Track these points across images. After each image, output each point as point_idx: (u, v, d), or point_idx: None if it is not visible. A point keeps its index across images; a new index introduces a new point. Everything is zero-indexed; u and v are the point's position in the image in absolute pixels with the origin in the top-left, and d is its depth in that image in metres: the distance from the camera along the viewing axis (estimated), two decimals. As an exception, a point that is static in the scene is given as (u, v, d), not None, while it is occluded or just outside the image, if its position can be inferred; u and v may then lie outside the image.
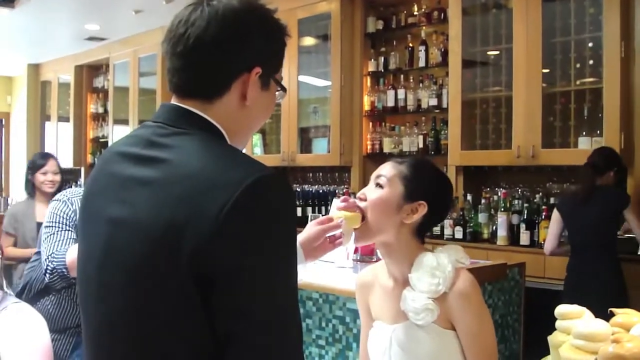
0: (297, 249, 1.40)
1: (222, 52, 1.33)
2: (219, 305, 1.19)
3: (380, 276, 2.13)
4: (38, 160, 5.39)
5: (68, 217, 2.98)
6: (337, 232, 2.01)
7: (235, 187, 1.18)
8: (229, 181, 1.20)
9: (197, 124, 1.33)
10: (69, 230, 2.98)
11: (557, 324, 1.65)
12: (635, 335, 1.46)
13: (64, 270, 2.87)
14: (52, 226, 2.98)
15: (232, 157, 1.30)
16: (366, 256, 3.65)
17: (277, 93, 1.47)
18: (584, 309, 1.65)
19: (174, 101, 1.39)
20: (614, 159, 4.45)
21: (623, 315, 1.60)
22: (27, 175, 5.44)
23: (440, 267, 1.93)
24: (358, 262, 3.74)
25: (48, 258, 2.90)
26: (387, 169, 2.03)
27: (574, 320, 1.62)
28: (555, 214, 4.58)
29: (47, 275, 2.89)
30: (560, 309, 1.65)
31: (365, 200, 2.00)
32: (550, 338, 1.64)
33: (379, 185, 2.01)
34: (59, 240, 2.94)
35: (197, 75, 1.35)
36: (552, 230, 4.61)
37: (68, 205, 3.02)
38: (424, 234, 2.07)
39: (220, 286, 1.18)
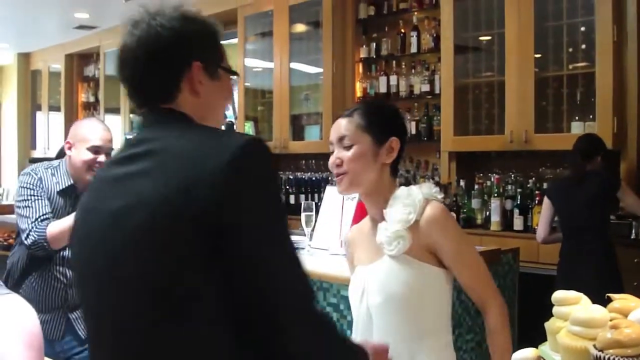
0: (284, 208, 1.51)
1: (156, 62, 1.44)
2: (229, 247, 1.27)
3: (363, 227, 2.21)
4: None
5: (35, 185, 3.06)
6: None
7: (231, 146, 1.30)
8: (223, 144, 1.31)
9: (172, 116, 1.45)
10: (39, 198, 3.05)
11: (554, 310, 1.65)
12: (633, 321, 1.45)
13: (44, 243, 2.96)
14: (23, 199, 3.05)
15: (216, 130, 1.47)
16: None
17: (232, 78, 1.59)
18: (581, 294, 1.64)
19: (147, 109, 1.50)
20: (600, 144, 4.46)
21: (621, 300, 1.60)
22: None
23: (411, 197, 2.00)
24: (352, 249, 3.74)
25: (28, 233, 2.97)
26: (345, 127, 2.06)
27: (571, 306, 1.61)
28: (546, 201, 4.59)
29: (30, 248, 3.00)
30: (557, 295, 1.64)
31: (342, 165, 2.05)
32: (547, 324, 1.63)
33: (347, 147, 2.05)
34: (35, 210, 3.02)
35: (147, 90, 1.48)
36: (543, 217, 4.61)
37: (32, 176, 3.09)
38: (397, 166, 2.13)
39: (230, 236, 1.27)
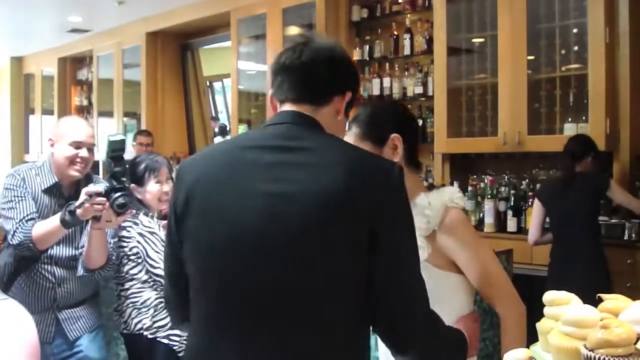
0: None
1: (334, 71, 1.69)
2: (380, 250, 1.53)
3: None
4: None
5: (19, 186, 3.10)
6: None
7: (391, 167, 1.60)
8: (383, 164, 1.63)
9: (315, 124, 1.66)
10: (23, 198, 3.08)
11: (545, 310, 1.64)
12: (623, 321, 1.45)
13: (30, 244, 2.99)
14: (7, 201, 3.07)
15: (365, 150, 1.78)
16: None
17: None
18: (572, 295, 1.64)
19: (287, 108, 1.69)
20: (590, 145, 4.48)
21: (611, 300, 1.60)
22: None
23: (430, 206, 2.05)
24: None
25: (13, 233, 3.01)
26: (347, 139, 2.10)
27: (562, 307, 1.61)
28: (537, 203, 4.60)
29: (16, 248, 3.04)
30: (548, 296, 1.64)
31: None
32: (538, 325, 1.63)
33: None
34: (19, 211, 3.04)
35: (310, 85, 1.69)
36: (534, 220, 4.63)
37: (15, 177, 3.13)
38: (416, 158, 2.15)
39: (384, 235, 1.53)
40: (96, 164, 8.94)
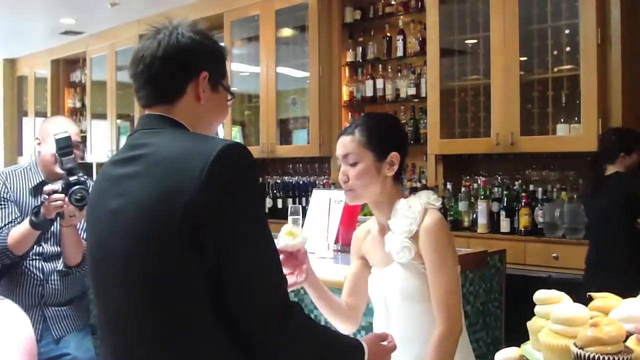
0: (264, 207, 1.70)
1: (172, 63, 1.66)
2: (208, 246, 1.45)
3: (372, 229, 2.42)
4: None
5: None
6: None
7: (210, 152, 1.48)
8: (204, 150, 1.50)
9: (166, 123, 1.65)
10: (3, 207, 3.14)
11: (536, 309, 1.66)
12: (613, 319, 1.47)
13: (7, 252, 3.06)
14: None
15: (200, 137, 1.64)
16: (347, 246, 3.65)
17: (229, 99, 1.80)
18: (562, 293, 1.65)
19: (146, 112, 1.71)
20: (623, 142, 4.26)
21: (602, 299, 1.62)
22: None
23: (411, 209, 2.20)
24: (339, 252, 3.75)
25: None
26: (348, 145, 2.25)
27: (552, 305, 1.63)
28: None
29: None
30: (539, 294, 1.65)
31: (348, 180, 2.26)
32: (529, 324, 1.64)
33: (352, 164, 2.25)
34: None
35: (156, 85, 1.68)
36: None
37: None
38: (400, 176, 2.33)
39: (208, 231, 1.45)
40: (89, 166, 8.99)
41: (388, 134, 2.29)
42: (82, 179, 3.02)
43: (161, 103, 1.68)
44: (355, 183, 2.24)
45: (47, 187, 2.98)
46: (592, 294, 1.62)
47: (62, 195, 2.94)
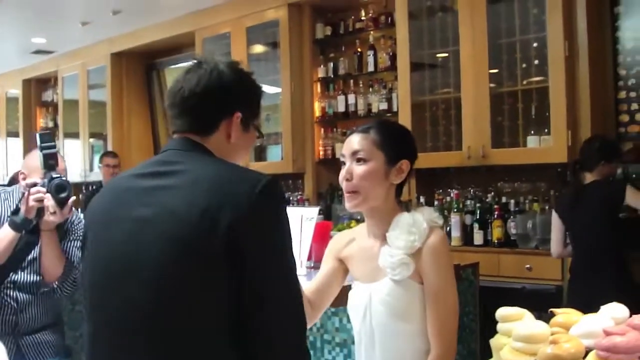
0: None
1: (208, 100, 1.71)
2: (248, 272, 1.49)
3: (360, 238, 2.28)
4: None
5: None
6: None
7: (257, 179, 1.55)
8: (249, 177, 1.57)
9: (198, 149, 1.70)
10: None
11: (499, 326, 1.66)
12: (573, 336, 1.47)
13: None
14: None
15: (237, 165, 1.71)
16: (319, 263, 3.63)
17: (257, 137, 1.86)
18: (525, 310, 1.65)
19: (177, 136, 1.75)
20: (603, 152, 4.28)
21: (563, 315, 1.62)
22: None
23: (416, 225, 2.09)
24: (312, 269, 3.73)
25: None
26: (360, 143, 2.14)
27: (514, 323, 1.63)
28: (554, 216, 4.45)
29: None
30: (501, 312, 1.65)
31: (351, 179, 2.13)
32: (492, 341, 1.64)
33: (361, 160, 2.13)
34: None
35: (190, 118, 1.72)
36: (554, 233, 4.44)
37: None
38: (402, 190, 2.22)
39: (252, 255, 1.50)
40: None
41: (402, 141, 2.22)
42: (63, 177, 2.96)
43: (195, 133, 1.73)
44: (361, 183, 2.12)
45: (27, 181, 2.90)
46: (554, 310, 1.62)
47: (43, 188, 2.86)
